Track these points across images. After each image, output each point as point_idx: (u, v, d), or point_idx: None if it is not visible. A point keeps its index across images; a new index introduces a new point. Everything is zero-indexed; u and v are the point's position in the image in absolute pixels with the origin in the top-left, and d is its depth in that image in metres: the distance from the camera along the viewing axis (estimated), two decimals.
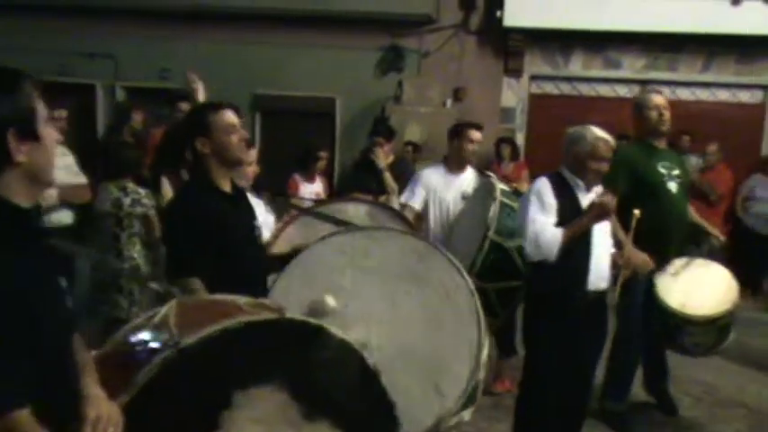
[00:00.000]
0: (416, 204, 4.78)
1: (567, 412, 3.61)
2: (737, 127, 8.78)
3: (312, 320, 1.89)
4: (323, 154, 6.72)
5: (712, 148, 8.13)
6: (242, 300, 1.92)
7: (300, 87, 9.32)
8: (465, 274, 2.57)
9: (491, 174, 4.87)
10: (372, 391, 2.00)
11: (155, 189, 4.83)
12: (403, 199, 4.89)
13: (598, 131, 3.48)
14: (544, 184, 3.50)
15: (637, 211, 3.68)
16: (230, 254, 2.62)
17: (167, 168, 4.73)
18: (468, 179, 4.82)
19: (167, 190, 4.80)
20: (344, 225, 3.57)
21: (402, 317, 2.49)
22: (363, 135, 7.38)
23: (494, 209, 4.03)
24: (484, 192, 4.39)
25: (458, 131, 4.83)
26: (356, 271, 2.65)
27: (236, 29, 9.23)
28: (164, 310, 1.85)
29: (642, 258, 3.71)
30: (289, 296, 2.55)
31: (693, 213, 4.78)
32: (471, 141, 4.74)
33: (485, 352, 2.48)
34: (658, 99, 4.54)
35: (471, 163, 4.85)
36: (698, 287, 4.17)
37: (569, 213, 3.42)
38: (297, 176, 6.56)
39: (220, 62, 8.75)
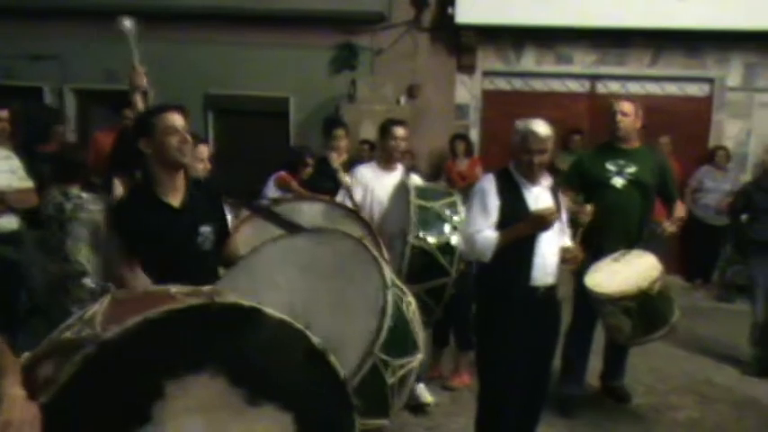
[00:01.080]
0: (357, 196, 4.83)
1: (525, 404, 3.63)
2: (686, 120, 8.93)
3: (245, 302, 1.82)
4: (310, 160, 6.63)
5: (664, 139, 8.28)
6: (174, 288, 1.89)
7: (253, 87, 9.25)
8: (386, 272, 2.61)
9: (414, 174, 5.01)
10: (320, 370, 1.95)
11: (108, 191, 4.77)
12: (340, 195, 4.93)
13: (532, 124, 3.45)
14: (488, 183, 3.52)
15: (589, 207, 3.75)
16: (166, 266, 2.62)
17: (118, 170, 4.65)
18: (398, 177, 4.83)
19: (120, 192, 4.73)
20: (292, 227, 3.57)
21: (319, 307, 2.56)
22: (318, 134, 7.33)
23: (411, 213, 4.08)
24: (402, 193, 4.41)
25: (383, 129, 4.86)
26: (293, 269, 2.73)
27: (188, 28, 9.13)
28: (95, 306, 1.82)
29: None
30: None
31: (650, 210, 4.85)
32: (395, 138, 4.75)
33: (381, 335, 2.49)
34: (617, 105, 4.74)
35: (398, 160, 4.85)
36: (619, 272, 4.26)
37: (514, 210, 3.42)
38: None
39: (171, 62, 8.61)
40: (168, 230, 2.78)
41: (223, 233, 3.03)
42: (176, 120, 2.82)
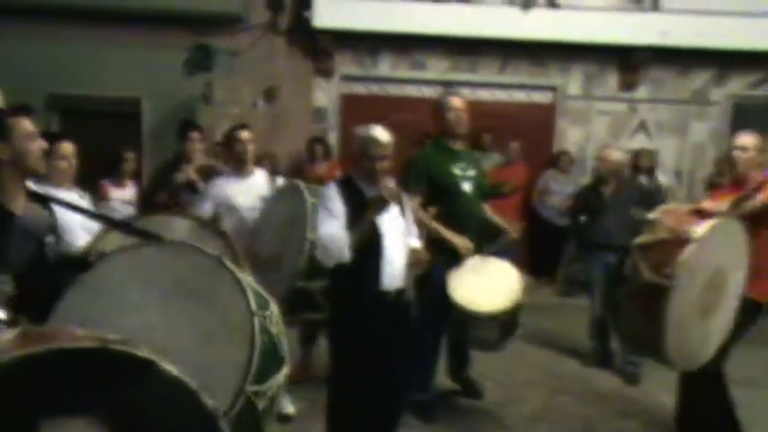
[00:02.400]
0: (204, 212, 4.68)
1: (381, 407, 3.66)
2: (532, 125, 9.40)
3: (141, 353, 1.74)
4: (129, 155, 6.41)
5: (515, 145, 8.71)
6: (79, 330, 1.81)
7: (103, 87, 8.82)
8: (250, 295, 2.50)
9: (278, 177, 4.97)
10: None
11: None
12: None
13: (372, 130, 3.50)
14: (332, 191, 3.52)
15: (431, 210, 3.83)
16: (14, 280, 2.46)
17: None
18: (260, 182, 4.80)
19: None
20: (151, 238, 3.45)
21: (179, 335, 2.40)
22: (172, 136, 7.13)
23: (309, 210, 4.05)
24: (290, 192, 4.39)
25: (229, 137, 4.84)
26: (143, 287, 2.53)
27: (31, 23, 8.54)
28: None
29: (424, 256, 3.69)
30: (71, 313, 2.41)
31: (490, 211, 5.01)
32: (241, 141, 4.73)
33: (263, 386, 2.42)
34: (456, 101, 4.72)
35: (249, 162, 4.81)
36: (485, 284, 4.40)
37: (359, 217, 3.43)
38: (106, 182, 6.22)
39: (11, 59, 8.10)
40: (12, 241, 2.59)
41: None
42: (32, 125, 2.65)
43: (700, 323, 3.62)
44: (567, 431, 4.73)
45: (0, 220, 2.60)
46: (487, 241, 4.76)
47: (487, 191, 4.98)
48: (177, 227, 3.85)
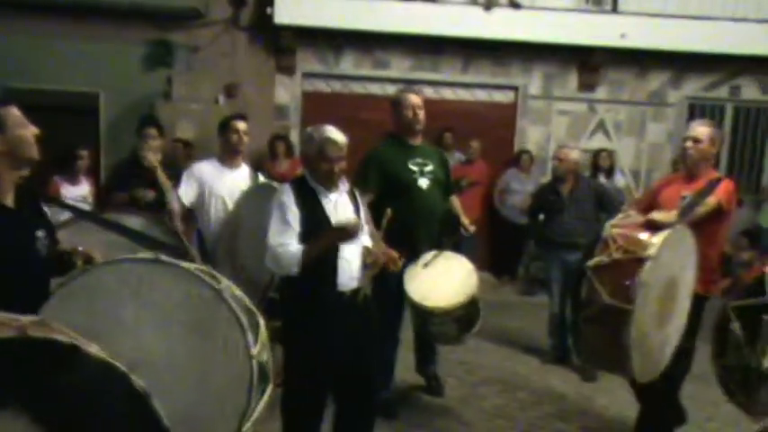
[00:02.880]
0: (186, 198, 4.71)
1: (348, 411, 3.63)
2: (494, 124, 9.49)
3: (64, 339, 1.68)
4: (83, 152, 6.30)
5: (475, 144, 8.78)
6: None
7: (60, 81, 8.68)
8: (247, 331, 2.48)
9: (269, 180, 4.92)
10: (140, 416, 1.81)
11: None
12: (179, 192, 4.77)
13: (328, 131, 3.42)
14: (286, 193, 3.42)
15: (389, 210, 3.81)
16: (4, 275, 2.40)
17: None
18: (243, 176, 4.78)
19: None
20: (126, 233, 3.40)
21: (175, 364, 2.38)
22: (131, 133, 7.03)
23: None
24: (265, 196, 4.32)
25: (224, 125, 4.80)
26: (139, 306, 2.49)
27: None
28: None
29: (391, 256, 3.59)
30: (60, 317, 2.36)
31: (455, 203, 5.06)
32: (237, 131, 4.72)
33: (252, 417, 2.42)
34: (414, 98, 4.70)
35: (241, 154, 4.80)
36: (440, 280, 4.40)
37: (312, 220, 3.38)
38: (58, 179, 6.10)
39: None
40: (6, 234, 2.49)
41: (54, 239, 2.75)
42: (21, 112, 2.57)
43: (657, 334, 3.65)
44: (525, 427, 4.77)
45: None
46: (447, 235, 4.78)
47: (449, 185, 4.98)
48: (128, 224, 3.80)
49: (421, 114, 4.68)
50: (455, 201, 5.10)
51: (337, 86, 9.47)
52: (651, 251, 3.42)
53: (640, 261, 3.41)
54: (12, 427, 1.63)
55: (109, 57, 8.70)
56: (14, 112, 2.55)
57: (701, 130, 4.18)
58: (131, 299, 2.50)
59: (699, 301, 3.97)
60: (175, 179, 5.11)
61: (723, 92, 9.76)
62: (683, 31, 8.92)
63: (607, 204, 5.89)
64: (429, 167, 4.70)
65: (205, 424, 2.28)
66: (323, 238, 3.34)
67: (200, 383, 2.40)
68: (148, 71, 8.88)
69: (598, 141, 9.58)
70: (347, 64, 9.38)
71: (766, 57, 9.23)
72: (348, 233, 3.33)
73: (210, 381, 2.43)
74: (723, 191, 3.97)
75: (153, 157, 5.56)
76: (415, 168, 4.65)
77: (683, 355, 3.97)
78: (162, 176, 5.53)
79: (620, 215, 3.88)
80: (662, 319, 3.64)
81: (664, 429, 4.32)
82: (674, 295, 3.69)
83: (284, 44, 9.05)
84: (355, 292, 3.49)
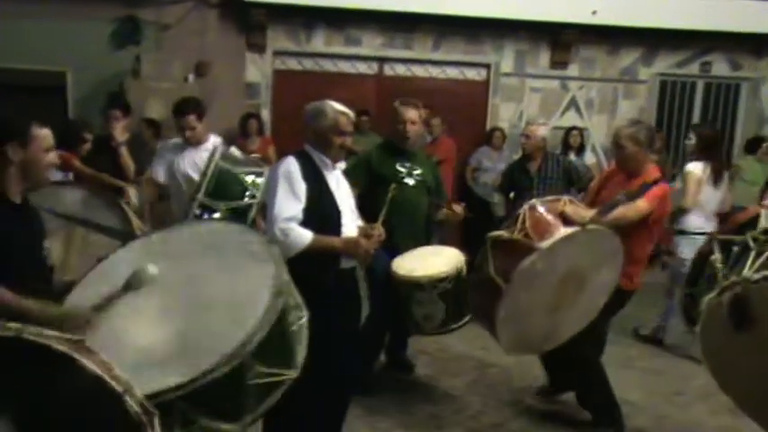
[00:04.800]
0: (158, 175, 4.80)
1: (339, 383, 3.62)
2: (466, 102, 9.49)
3: (60, 347, 1.64)
4: (88, 136, 6.16)
5: (435, 121, 8.66)
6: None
7: (26, 59, 8.48)
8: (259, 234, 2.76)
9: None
10: None
11: None
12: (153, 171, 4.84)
13: (337, 106, 3.50)
14: (293, 166, 3.40)
15: (393, 186, 3.86)
16: (12, 275, 2.42)
17: None
18: (208, 148, 4.71)
19: None
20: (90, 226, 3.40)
21: (203, 281, 2.56)
22: (98, 112, 6.94)
23: (209, 171, 4.11)
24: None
25: (174, 113, 4.82)
26: (156, 258, 2.64)
27: None
28: None
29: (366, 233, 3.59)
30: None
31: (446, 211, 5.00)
32: (188, 128, 4.73)
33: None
34: (409, 113, 4.74)
35: (194, 138, 4.77)
36: (428, 257, 4.48)
37: (318, 194, 3.39)
38: None
39: None
40: (18, 235, 2.55)
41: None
42: (52, 139, 2.66)
43: (545, 317, 3.81)
44: (497, 403, 4.84)
45: (9, 218, 2.57)
46: (425, 238, 4.87)
47: (439, 195, 4.97)
48: (68, 198, 3.78)
49: (413, 129, 4.74)
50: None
51: (308, 64, 9.39)
52: (545, 244, 3.56)
53: (531, 250, 3.55)
54: None
55: (76, 35, 8.53)
56: (46, 137, 2.63)
57: (623, 133, 4.17)
58: (146, 257, 2.70)
59: (621, 295, 4.09)
60: (140, 160, 5.11)
61: (694, 68, 9.84)
62: (654, 8, 8.93)
63: (576, 181, 5.93)
64: (418, 171, 4.77)
65: (245, 299, 2.45)
66: (336, 242, 3.40)
67: (229, 277, 2.61)
68: (116, 49, 8.72)
69: (570, 119, 9.62)
70: (318, 41, 9.29)
71: (737, 33, 9.31)
72: (358, 249, 3.40)
73: (239, 270, 2.63)
74: (653, 196, 4.01)
75: (120, 136, 5.55)
76: (402, 170, 4.72)
77: (591, 339, 4.13)
78: (125, 155, 5.51)
79: (549, 197, 4.00)
80: (557, 305, 3.79)
81: (598, 395, 4.38)
82: (582, 287, 3.82)
83: (255, 22, 8.93)
84: (352, 269, 3.59)
